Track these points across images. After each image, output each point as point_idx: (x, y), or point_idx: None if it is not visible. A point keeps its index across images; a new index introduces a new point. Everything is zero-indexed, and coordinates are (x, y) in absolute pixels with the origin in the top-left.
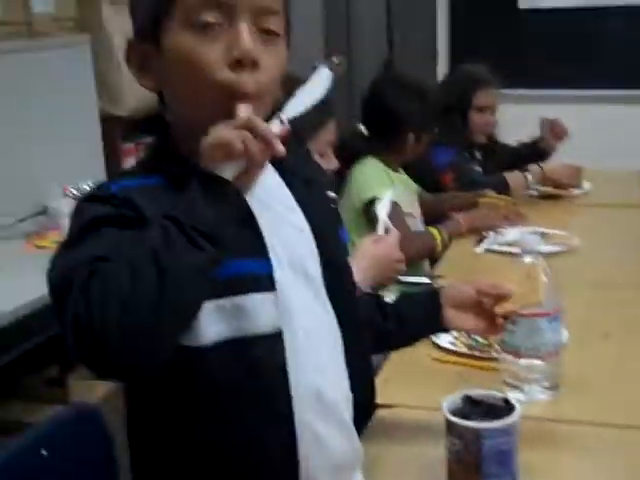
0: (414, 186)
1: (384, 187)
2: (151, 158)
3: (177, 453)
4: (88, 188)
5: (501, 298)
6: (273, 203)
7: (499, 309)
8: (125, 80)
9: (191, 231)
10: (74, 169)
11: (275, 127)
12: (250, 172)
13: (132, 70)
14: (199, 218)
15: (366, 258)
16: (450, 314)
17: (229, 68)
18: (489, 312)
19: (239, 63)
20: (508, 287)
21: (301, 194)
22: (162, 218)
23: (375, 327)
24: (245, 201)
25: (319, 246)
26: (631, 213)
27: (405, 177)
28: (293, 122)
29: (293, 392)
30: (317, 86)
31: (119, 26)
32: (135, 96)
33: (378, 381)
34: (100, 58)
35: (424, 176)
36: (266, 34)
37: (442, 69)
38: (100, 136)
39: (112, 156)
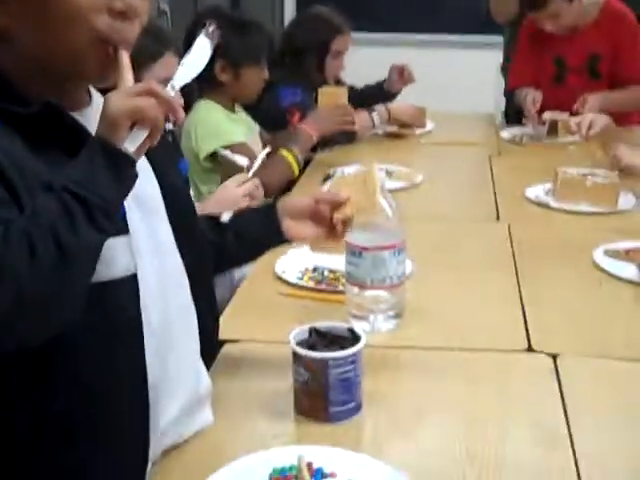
0: (255, 126)
1: (230, 133)
2: None
3: (32, 396)
4: None
5: (338, 204)
6: None
7: (338, 214)
8: None
9: (96, 212)
10: None
11: (171, 93)
12: (149, 140)
13: None
14: (102, 196)
15: (213, 200)
16: (289, 225)
17: (109, 15)
18: (328, 219)
19: (121, 14)
20: (344, 193)
21: None
22: (61, 189)
23: (214, 247)
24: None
25: (160, 181)
26: (469, 151)
27: (245, 116)
28: (182, 89)
29: (145, 330)
30: (200, 55)
31: None
32: None
33: (225, 316)
34: None
35: (272, 118)
36: None
37: (289, 13)
38: None
39: None
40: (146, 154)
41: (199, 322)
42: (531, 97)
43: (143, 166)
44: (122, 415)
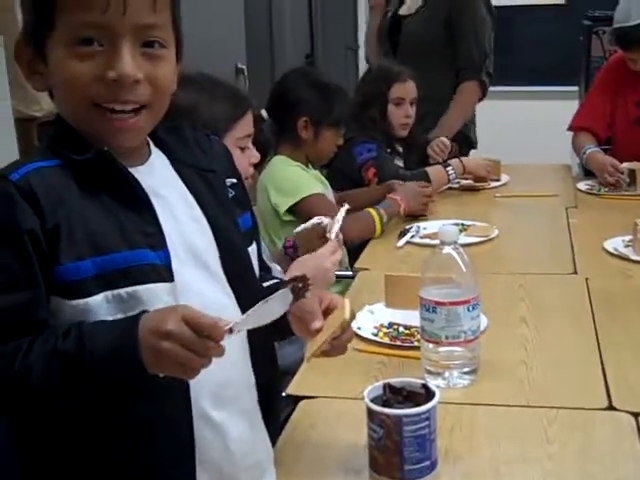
0: (326, 182)
1: (309, 186)
2: (50, 143)
3: (77, 448)
4: None
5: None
6: (170, 196)
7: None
8: None
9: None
10: None
11: (226, 334)
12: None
13: (21, 68)
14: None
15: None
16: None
17: (104, 84)
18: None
19: (116, 82)
20: (317, 324)
21: (196, 185)
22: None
23: None
24: (147, 195)
25: (217, 237)
26: (545, 203)
27: (318, 173)
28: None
29: (192, 381)
30: (276, 307)
31: None
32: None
33: (301, 373)
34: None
35: (348, 175)
36: (151, 47)
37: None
38: (15, 137)
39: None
40: (201, 204)
41: (255, 374)
42: (611, 167)
43: (197, 219)
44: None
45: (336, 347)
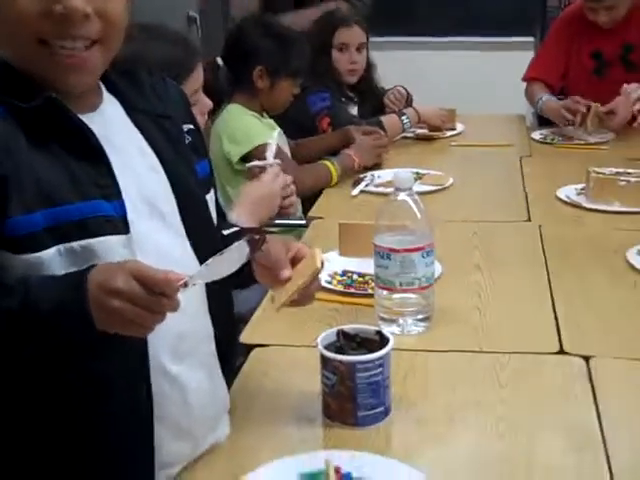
0: (281, 131)
1: (262, 135)
2: None
3: (31, 399)
4: None
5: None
6: (124, 145)
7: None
8: None
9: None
10: None
11: (180, 288)
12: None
13: None
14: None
15: (249, 201)
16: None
17: (51, 19)
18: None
19: (64, 17)
20: (286, 273)
21: (152, 133)
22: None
23: None
24: (100, 144)
25: (173, 184)
26: (499, 153)
27: (272, 122)
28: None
29: (149, 335)
30: (232, 259)
31: None
32: None
33: (254, 321)
34: None
35: (302, 124)
36: None
37: None
38: None
39: None
40: (157, 152)
41: (214, 325)
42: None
43: (153, 168)
44: (126, 420)
45: (305, 296)
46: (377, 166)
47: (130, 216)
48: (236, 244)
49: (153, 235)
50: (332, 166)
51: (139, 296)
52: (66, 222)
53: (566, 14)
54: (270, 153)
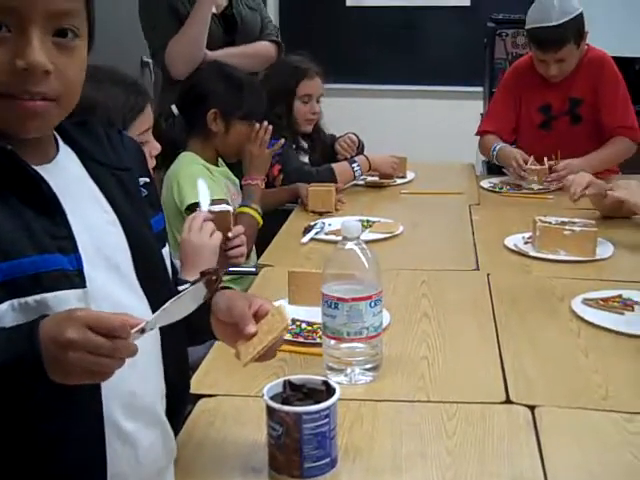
0: (235, 180)
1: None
2: None
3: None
4: None
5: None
6: (80, 197)
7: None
8: None
9: None
10: None
11: (136, 338)
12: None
13: None
14: None
15: (187, 253)
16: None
17: (12, 73)
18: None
19: (25, 72)
20: (252, 329)
21: (109, 185)
22: None
23: None
24: (55, 196)
25: (129, 238)
26: (449, 201)
27: (226, 170)
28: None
29: (103, 391)
30: (189, 302)
31: None
32: None
33: (201, 370)
34: None
35: None
36: (62, 37)
37: None
38: None
39: None
40: (114, 205)
41: (167, 383)
42: (520, 160)
43: (109, 221)
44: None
45: (270, 351)
46: (328, 212)
47: (86, 269)
48: (192, 287)
49: (108, 288)
50: (249, 210)
51: (95, 344)
52: (21, 276)
53: (515, 67)
54: (204, 203)
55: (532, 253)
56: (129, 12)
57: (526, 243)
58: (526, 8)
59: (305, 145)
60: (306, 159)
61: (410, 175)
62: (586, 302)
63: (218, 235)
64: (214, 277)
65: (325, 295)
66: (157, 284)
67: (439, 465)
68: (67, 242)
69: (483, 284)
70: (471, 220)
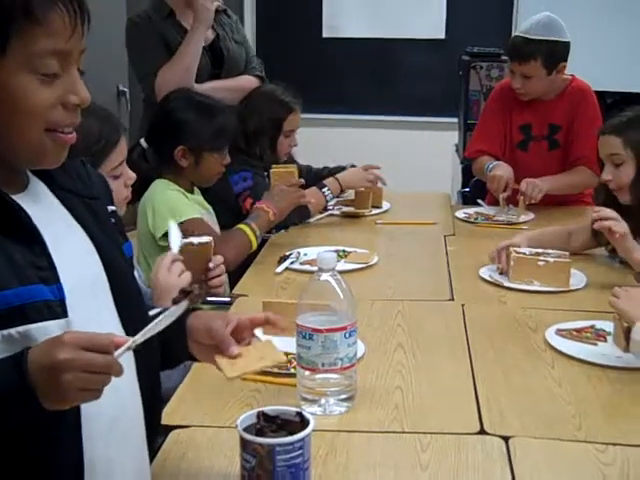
0: (209, 208)
1: (185, 211)
2: None
3: None
4: None
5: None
6: (56, 224)
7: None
8: None
9: None
10: None
11: (123, 350)
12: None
13: None
14: None
15: (157, 292)
16: (193, 346)
17: (63, 109)
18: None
19: (77, 107)
20: (235, 350)
21: (81, 213)
22: None
23: None
24: (35, 226)
25: (106, 265)
26: (424, 231)
27: (200, 199)
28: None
29: (83, 420)
30: (170, 316)
31: None
32: None
33: (174, 401)
34: None
35: (226, 202)
36: (80, 72)
37: None
38: None
39: None
40: (88, 232)
41: (144, 405)
42: (504, 182)
43: (86, 249)
44: None
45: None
46: (305, 217)
47: (68, 299)
48: (175, 306)
49: (89, 316)
50: (248, 229)
51: (92, 360)
52: (4, 308)
53: (501, 86)
54: (174, 244)
55: (506, 284)
56: (105, 41)
57: (501, 274)
58: (499, 42)
59: None
60: None
61: (386, 205)
62: (559, 333)
63: (187, 275)
64: (198, 292)
65: (300, 326)
66: (133, 310)
67: None
68: (49, 273)
69: (458, 314)
70: (446, 250)
